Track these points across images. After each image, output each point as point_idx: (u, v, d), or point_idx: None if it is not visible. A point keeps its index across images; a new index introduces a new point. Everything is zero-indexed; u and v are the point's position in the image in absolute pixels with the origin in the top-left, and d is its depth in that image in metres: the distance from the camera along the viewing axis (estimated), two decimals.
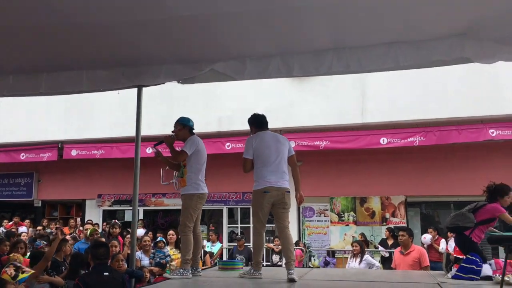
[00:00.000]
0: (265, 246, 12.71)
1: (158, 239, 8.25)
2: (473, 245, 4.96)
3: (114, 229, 8.16)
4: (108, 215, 15.05)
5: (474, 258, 4.72)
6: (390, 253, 10.14)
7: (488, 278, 4.57)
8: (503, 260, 4.71)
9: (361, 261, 7.92)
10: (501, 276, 4.40)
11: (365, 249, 10.88)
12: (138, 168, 6.48)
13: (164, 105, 12.97)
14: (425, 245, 10.62)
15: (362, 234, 12.65)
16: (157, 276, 7.06)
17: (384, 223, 12.67)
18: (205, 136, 12.76)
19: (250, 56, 6.04)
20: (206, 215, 15.05)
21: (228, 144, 12.56)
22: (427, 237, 10.47)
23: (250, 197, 14.25)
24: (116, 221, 8.52)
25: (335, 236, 12.97)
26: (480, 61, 5.28)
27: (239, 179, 13.47)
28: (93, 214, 14.67)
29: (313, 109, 11.72)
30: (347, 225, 12.96)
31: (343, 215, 13.02)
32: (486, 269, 4.64)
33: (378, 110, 11.31)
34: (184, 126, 5.32)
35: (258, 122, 5.31)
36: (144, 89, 7.48)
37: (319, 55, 5.80)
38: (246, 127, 13.46)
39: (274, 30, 5.50)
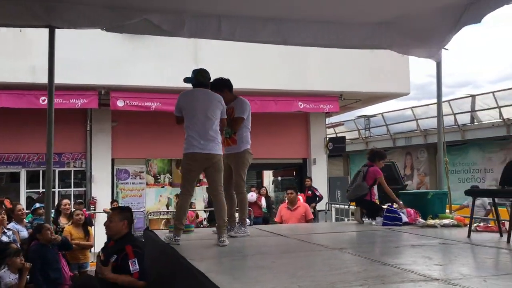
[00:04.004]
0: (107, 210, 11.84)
1: (37, 205, 6.94)
2: (375, 205, 6.23)
3: None
4: None
5: (392, 209, 5.96)
6: None
7: (406, 223, 5.85)
8: (410, 208, 6.08)
9: None
10: (417, 221, 5.74)
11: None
12: (52, 122, 5.43)
13: None
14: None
15: (177, 195, 13.07)
16: None
17: (198, 184, 13.33)
18: (16, 87, 10.92)
19: (190, 12, 5.78)
20: None
21: (43, 98, 10.99)
22: (254, 195, 11.67)
23: (55, 159, 12.93)
24: None
25: (150, 198, 12.99)
26: (394, 49, 6.43)
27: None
28: None
29: (146, 68, 11.34)
30: (163, 186, 13.14)
31: (159, 177, 13.12)
32: (403, 217, 5.94)
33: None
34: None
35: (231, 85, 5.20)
36: None
37: (261, 23, 6.02)
38: (67, 80, 12.14)
39: None
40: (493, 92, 20.26)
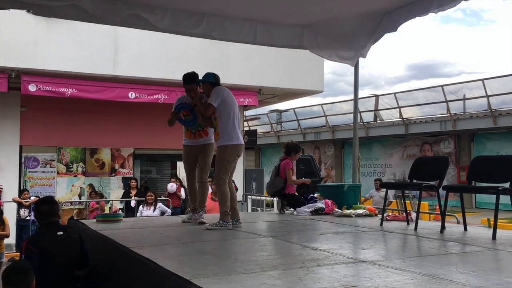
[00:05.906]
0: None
1: None
2: (295, 197, 6.63)
3: None
4: None
5: (312, 200, 6.39)
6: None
7: (324, 213, 6.28)
8: (328, 199, 6.54)
9: (155, 209, 8.46)
10: (334, 211, 6.20)
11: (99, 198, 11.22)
12: None
13: None
14: (168, 192, 11.83)
15: (91, 185, 12.72)
16: None
17: (113, 174, 13.07)
18: None
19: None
20: None
21: None
22: (174, 186, 11.67)
23: None
24: None
25: (61, 188, 12.47)
26: (314, 51, 6.82)
27: None
28: None
29: (62, 53, 10.85)
30: (76, 176, 12.67)
31: (71, 166, 12.62)
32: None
33: (129, 64, 11.54)
34: (203, 83, 5.06)
35: None
36: None
37: (195, 17, 6.11)
38: None
39: None
40: (394, 93, 21.89)
